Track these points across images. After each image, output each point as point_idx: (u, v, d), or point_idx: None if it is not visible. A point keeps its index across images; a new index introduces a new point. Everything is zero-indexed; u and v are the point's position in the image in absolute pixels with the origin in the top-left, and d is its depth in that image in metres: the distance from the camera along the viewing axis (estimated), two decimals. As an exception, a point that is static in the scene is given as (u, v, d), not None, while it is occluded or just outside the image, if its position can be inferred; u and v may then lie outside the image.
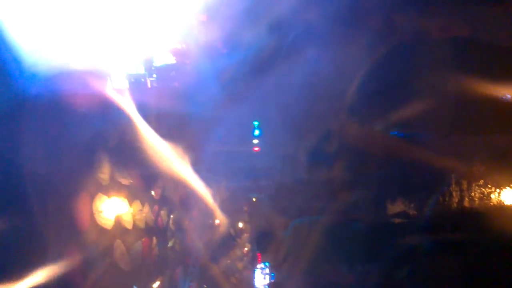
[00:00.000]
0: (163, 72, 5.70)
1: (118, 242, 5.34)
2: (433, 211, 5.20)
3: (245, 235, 5.93)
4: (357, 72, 5.24)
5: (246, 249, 5.96)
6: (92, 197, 5.25)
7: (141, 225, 5.63)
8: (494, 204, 4.93)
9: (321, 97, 5.45)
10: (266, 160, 5.90)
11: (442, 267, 5.03)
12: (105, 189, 5.37)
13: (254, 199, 5.86)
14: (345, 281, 5.26)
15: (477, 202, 5.05)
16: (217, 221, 5.71)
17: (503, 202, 4.85)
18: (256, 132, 5.75)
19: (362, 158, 5.44)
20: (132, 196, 5.55)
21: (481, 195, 5.00)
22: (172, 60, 5.69)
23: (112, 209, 5.42)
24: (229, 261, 5.81)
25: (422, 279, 5.14)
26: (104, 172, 5.35)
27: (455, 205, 5.18)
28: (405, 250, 5.33)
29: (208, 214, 5.73)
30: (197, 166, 5.74)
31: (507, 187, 4.85)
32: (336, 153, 5.50)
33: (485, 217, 4.95)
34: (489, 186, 4.94)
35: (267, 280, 5.58)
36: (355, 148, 5.46)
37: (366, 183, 5.43)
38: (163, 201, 5.93)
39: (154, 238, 5.55)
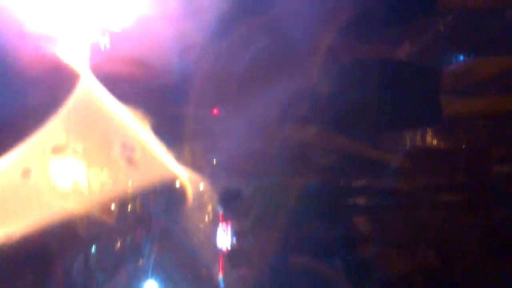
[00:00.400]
0: (120, 37, 5.54)
1: (75, 207, 5.35)
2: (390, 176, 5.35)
3: (207, 196, 5.93)
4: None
5: (209, 210, 5.99)
6: (47, 162, 5.25)
7: (100, 189, 5.61)
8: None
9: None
10: (228, 123, 5.86)
11: (400, 224, 5.23)
12: (61, 154, 5.33)
13: (215, 161, 5.86)
14: (308, 241, 5.39)
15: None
16: (178, 183, 5.72)
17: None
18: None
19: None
20: (89, 160, 5.52)
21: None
22: (129, 25, 5.51)
23: (69, 173, 5.40)
24: (191, 222, 5.84)
25: (383, 236, 5.32)
26: (59, 137, 5.30)
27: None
28: (366, 209, 5.47)
29: (169, 176, 5.74)
30: (158, 130, 5.69)
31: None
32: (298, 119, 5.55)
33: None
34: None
35: (229, 240, 5.66)
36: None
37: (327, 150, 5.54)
38: (122, 165, 5.89)
39: (113, 202, 5.57)
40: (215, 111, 5.70)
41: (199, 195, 5.68)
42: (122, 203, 5.60)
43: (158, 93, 5.57)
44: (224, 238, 5.52)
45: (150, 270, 5.45)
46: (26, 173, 5.22)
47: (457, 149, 5.41)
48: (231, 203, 5.74)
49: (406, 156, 5.44)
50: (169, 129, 5.64)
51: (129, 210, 5.57)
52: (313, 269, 5.20)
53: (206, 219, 5.63)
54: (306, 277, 5.19)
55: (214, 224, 5.57)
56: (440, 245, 5.15)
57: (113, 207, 5.60)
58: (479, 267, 4.87)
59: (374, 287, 5.13)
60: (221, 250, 5.50)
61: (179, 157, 5.65)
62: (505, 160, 5.12)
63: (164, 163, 5.64)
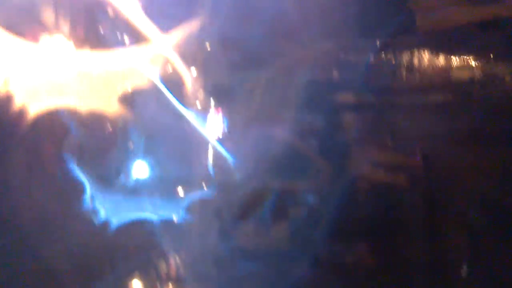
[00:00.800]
0: None
1: (63, 90, 5.32)
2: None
3: (199, 84, 5.81)
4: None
5: (200, 97, 5.91)
6: (38, 39, 5.18)
7: (89, 72, 5.53)
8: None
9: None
10: (221, 12, 5.63)
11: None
12: (49, 34, 5.24)
13: (208, 48, 5.72)
14: (294, 130, 5.50)
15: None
16: (170, 68, 5.61)
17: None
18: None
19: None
20: (78, 42, 5.41)
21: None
22: None
23: (57, 54, 5.34)
24: (182, 108, 5.79)
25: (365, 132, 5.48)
26: (46, 17, 5.18)
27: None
28: (351, 105, 5.57)
29: (161, 61, 5.65)
30: (151, 14, 5.52)
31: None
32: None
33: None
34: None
35: (220, 129, 5.68)
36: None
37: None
38: (113, 48, 5.76)
39: (103, 86, 5.51)
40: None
41: (191, 81, 5.65)
42: (112, 87, 5.58)
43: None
44: (215, 127, 5.59)
45: (139, 153, 5.56)
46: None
47: (443, 52, 5.39)
48: (221, 93, 5.75)
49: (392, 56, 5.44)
50: (163, 14, 5.49)
51: (119, 94, 5.57)
52: (297, 150, 5.41)
53: (198, 107, 5.65)
54: (290, 156, 5.39)
55: (206, 112, 5.61)
56: (423, 144, 5.32)
57: (103, 90, 5.58)
58: (461, 165, 5.09)
59: (353, 174, 5.36)
60: (211, 138, 5.59)
61: (173, 43, 5.55)
62: (485, 67, 5.16)
63: (156, 48, 5.56)
